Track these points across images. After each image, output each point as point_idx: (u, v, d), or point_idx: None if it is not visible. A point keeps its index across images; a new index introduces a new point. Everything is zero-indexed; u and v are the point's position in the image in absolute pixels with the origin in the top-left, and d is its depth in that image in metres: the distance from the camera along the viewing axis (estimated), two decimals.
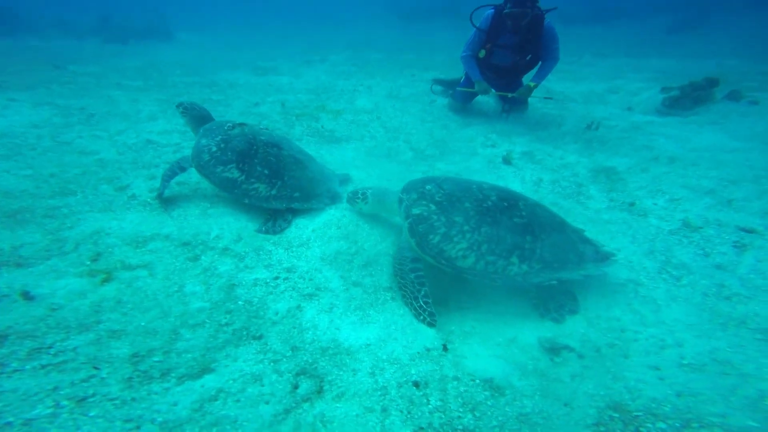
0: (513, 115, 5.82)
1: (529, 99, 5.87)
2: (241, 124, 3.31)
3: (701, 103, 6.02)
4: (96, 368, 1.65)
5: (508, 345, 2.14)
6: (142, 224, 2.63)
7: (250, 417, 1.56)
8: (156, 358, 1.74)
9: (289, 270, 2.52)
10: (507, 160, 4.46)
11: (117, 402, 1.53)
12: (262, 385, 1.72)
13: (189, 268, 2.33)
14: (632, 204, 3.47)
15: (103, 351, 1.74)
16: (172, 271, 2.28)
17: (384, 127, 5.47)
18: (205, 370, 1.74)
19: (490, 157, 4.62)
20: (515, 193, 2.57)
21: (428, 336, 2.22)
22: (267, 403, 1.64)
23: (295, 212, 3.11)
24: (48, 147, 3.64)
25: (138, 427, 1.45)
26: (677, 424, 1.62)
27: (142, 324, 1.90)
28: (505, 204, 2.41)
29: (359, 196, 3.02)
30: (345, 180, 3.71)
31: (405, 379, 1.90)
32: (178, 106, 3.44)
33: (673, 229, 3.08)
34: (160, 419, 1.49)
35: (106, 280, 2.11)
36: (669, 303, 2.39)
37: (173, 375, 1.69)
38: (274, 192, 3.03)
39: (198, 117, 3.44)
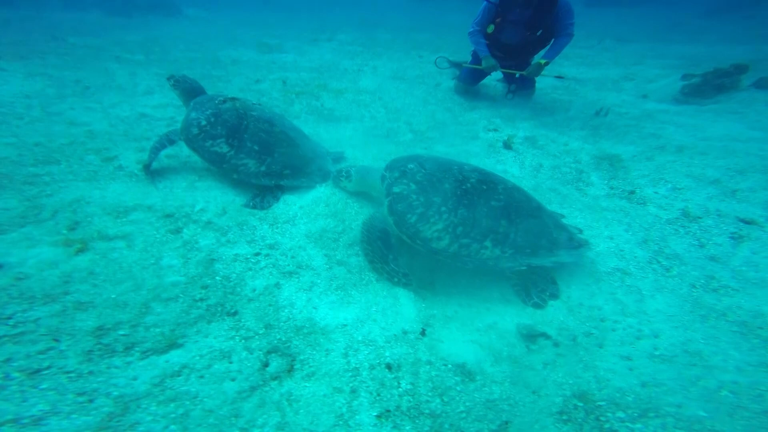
0: (519, 98, 5.58)
1: (537, 83, 5.63)
2: (233, 99, 3.20)
3: (724, 90, 5.68)
4: (56, 340, 1.61)
5: (487, 330, 2.09)
6: (126, 194, 2.57)
7: (213, 393, 1.52)
8: (122, 332, 1.70)
9: (271, 246, 2.46)
10: (508, 145, 4.31)
11: (72, 375, 1.50)
12: (230, 362, 1.68)
13: (169, 241, 2.28)
14: (632, 192, 3.33)
15: (66, 323, 1.70)
16: (151, 243, 2.23)
17: (385, 107, 5.33)
18: (173, 345, 1.70)
19: (492, 141, 4.47)
20: (495, 176, 2.52)
21: (409, 318, 2.17)
22: (233, 380, 1.60)
23: (284, 189, 3.05)
24: (37, 117, 3.58)
25: (91, 401, 1.42)
26: (635, 414, 1.63)
27: (113, 296, 1.86)
28: (484, 187, 2.37)
29: (343, 173, 2.97)
30: (338, 158, 3.62)
31: (378, 361, 1.85)
32: (168, 79, 3.34)
33: (671, 219, 2.97)
34: (115, 393, 1.46)
35: (81, 250, 2.06)
36: (654, 293, 2.33)
37: (137, 349, 1.65)
38: (263, 168, 2.95)
39: (189, 90, 3.34)
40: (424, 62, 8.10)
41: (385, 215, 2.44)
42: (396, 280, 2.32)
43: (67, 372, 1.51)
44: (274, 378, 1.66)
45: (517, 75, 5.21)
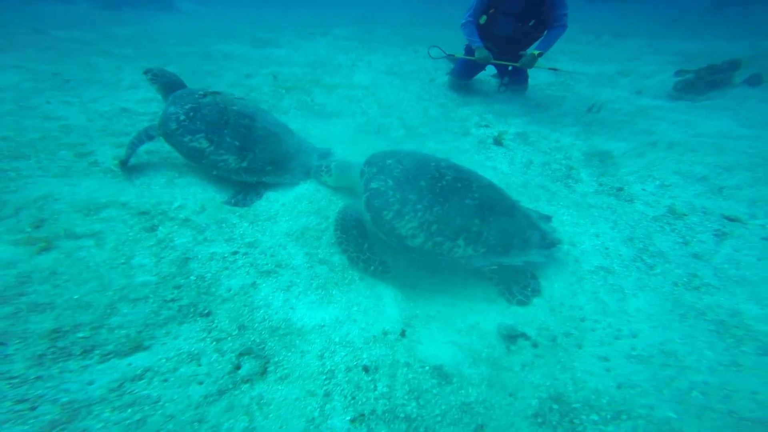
0: (512, 93, 5.49)
1: (531, 79, 5.55)
2: (214, 93, 3.10)
3: (717, 87, 5.65)
4: (2, 344, 1.52)
5: (468, 331, 2.04)
6: (99, 191, 2.48)
7: (176, 397, 1.45)
8: (81, 334, 1.62)
9: (250, 245, 2.38)
10: (498, 141, 4.25)
11: (15, 381, 1.41)
12: (199, 365, 1.61)
13: (143, 239, 2.20)
14: (620, 189, 3.28)
15: (18, 326, 1.61)
16: (123, 242, 2.14)
17: (378, 103, 5.25)
18: (138, 347, 1.62)
19: (482, 137, 4.41)
20: (471, 174, 2.49)
21: (391, 319, 2.11)
22: (200, 383, 1.53)
23: (267, 186, 2.96)
24: (8, 111, 3.45)
25: (33, 408, 1.34)
26: (608, 416, 1.61)
27: (75, 297, 1.77)
28: (459, 185, 2.35)
29: (323, 168, 2.93)
30: (326, 155, 3.54)
31: (355, 363, 1.79)
32: (145, 73, 3.22)
33: (657, 216, 2.93)
34: (65, 399, 1.38)
35: (44, 249, 1.96)
36: (636, 292, 2.30)
37: (97, 352, 1.57)
38: (244, 164, 2.87)
39: (168, 84, 3.23)
40: (419, 57, 8.00)
41: (362, 210, 2.41)
42: (372, 268, 2.30)
43: (10, 378, 1.43)
44: (246, 381, 1.59)
45: (510, 67, 5.12)
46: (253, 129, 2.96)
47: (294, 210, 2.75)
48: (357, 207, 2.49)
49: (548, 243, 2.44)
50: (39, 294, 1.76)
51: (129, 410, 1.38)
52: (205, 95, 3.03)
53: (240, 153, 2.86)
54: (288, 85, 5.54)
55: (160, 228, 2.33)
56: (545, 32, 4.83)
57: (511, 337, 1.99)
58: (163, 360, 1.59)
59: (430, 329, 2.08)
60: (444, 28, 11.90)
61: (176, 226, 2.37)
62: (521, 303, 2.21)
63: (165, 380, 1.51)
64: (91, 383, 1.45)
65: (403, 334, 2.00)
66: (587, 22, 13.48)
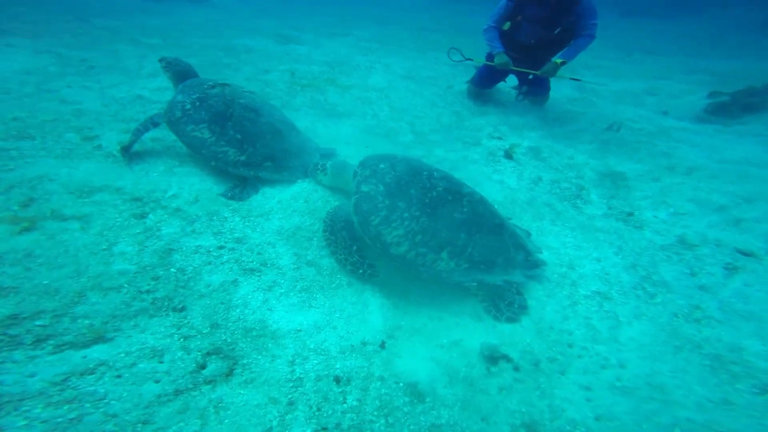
0: (532, 103, 5.28)
1: (553, 92, 5.36)
2: (223, 84, 3.09)
3: (753, 111, 5.30)
4: None
5: (450, 347, 1.94)
6: (96, 175, 2.47)
7: (125, 395, 1.38)
8: (40, 322, 1.56)
9: (238, 240, 2.33)
10: (509, 155, 4.11)
11: None
12: (161, 362, 1.54)
13: (130, 226, 2.17)
14: (630, 214, 3.09)
15: None
16: (109, 227, 2.11)
17: (390, 106, 5.18)
18: (99, 339, 1.56)
19: (493, 149, 4.28)
20: (463, 187, 2.44)
21: (374, 328, 2.02)
22: (157, 381, 1.46)
23: (265, 181, 2.92)
24: (27, 93, 3.53)
25: None
26: None
27: (44, 282, 1.72)
28: (449, 197, 2.31)
29: (319, 167, 2.88)
30: (329, 155, 3.48)
31: (327, 372, 1.70)
32: (160, 61, 3.26)
33: (666, 245, 2.76)
34: None
35: (26, 229, 1.94)
36: (631, 320, 2.17)
37: (52, 342, 1.51)
38: (243, 158, 2.83)
39: (180, 73, 3.25)
40: (439, 64, 7.90)
41: (350, 212, 2.36)
42: (361, 271, 2.25)
43: None
44: (208, 382, 1.52)
45: (530, 76, 4.90)
46: (257, 123, 2.93)
47: (288, 208, 2.69)
48: (348, 208, 2.44)
49: (531, 263, 2.39)
50: (7, 276, 1.72)
51: (65, 407, 1.31)
52: (213, 86, 3.02)
53: (240, 146, 2.82)
54: (303, 82, 5.53)
55: (150, 216, 2.31)
56: (571, 41, 4.59)
57: (493, 358, 1.88)
58: (123, 354, 1.53)
59: (413, 342, 1.99)
60: (465, 36, 11.72)
61: (166, 215, 2.34)
62: (510, 320, 2.13)
63: (118, 376, 1.45)
64: (32, 375, 1.39)
65: (382, 345, 1.92)
66: (619, 38, 13.04)
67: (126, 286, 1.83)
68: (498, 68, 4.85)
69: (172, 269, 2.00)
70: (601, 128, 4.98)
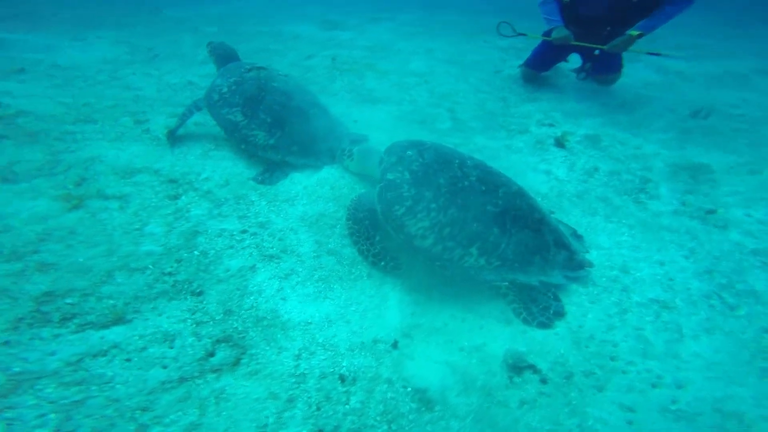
0: (598, 83, 4.58)
1: (626, 75, 4.57)
2: (260, 68, 3.07)
3: None
4: None
5: (470, 352, 1.74)
6: (139, 156, 2.58)
7: (131, 380, 1.38)
8: (69, 300, 1.61)
9: (261, 225, 2.29)
10: (560, 143, 3.65)
11: None
12: (171, 347, 1.53)
13: (163, 206, 2.22)
14: (711, 212, 2.57)
15: (18, 285, 1.61)
16: (144, 207, 2.18)
17: (430, 92, 4.89)
18: (119, 320, 1.58)
19: (542, 137, 3.83)
20: (499, 177, 2.21)
21: (390, 325, 1.88)
22: (164, 367, 1.45)
23: (294, 166, 2.85)
24: (101, 80, 3.81)
25: None
26: None
27: (80, 260, 1.78)
28: (483, 188, 2.08)
29: (346, 153, 2.75)
30: (359, 141, 3.34)
31: (333, 370, 1.60)
32: (207, 45, 3.35)
33: (759, 249, 2.25)
34: (17, 369, 1.33)
35: (75, 207, 2.04)
36: (699, 334, 1.83)
37: (76, 321, 1.54)
38: (272, 141, 2.78)
39: (222, 56, 3.31)
40: (488, 48, 7.32)
41: (374, 200, 2.21)
42: (383, 263, 2.11)
43: None
44: (215, 371, 1.49)
45: (596, 51, 4.16)
46: (288, 107, 2.86)
47: (314, 194, 2.61)
48: (371, 196, 2.30)
49: (575, 264, 2.11)
50: (51, 253, 1.80)
51: (74, 388, 1.32)
52: (250, 70, 3.01)
53: (270, 130, 2.78)
54: (344, 67, 5.40)
55: (183, 197, 2.35)
56: (657, 9, 3.63)
57: (518, 367, 1.66)
58: (136, 337, 1.54)
59: (429, 343, 1.82)
60: (520, 17, 10.74)
61: (197, 197, 2.37)
62: (543, 325, 1.88)
63: (128, 359, 1.45)
64: (52, 354, 1.42)
65: (395, 345, 1.77)
66: (730, 8, 10.99)
67: (151, 267, 1.86)
68: (556, 45, 4.15)
69: (195, 252, 2.01)
70: (683, 115, 4.25)
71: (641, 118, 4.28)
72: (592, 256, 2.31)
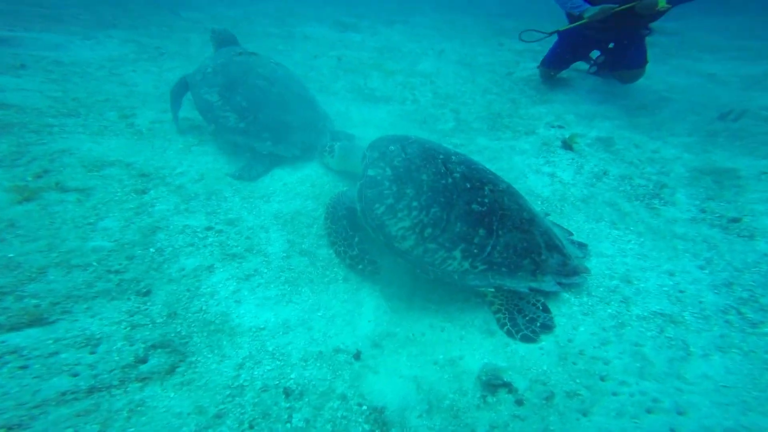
0: (618, 80, 4.21)
1: (648, 78, 4.12)
2: (251, 53, 3.03)
3: None
4: None
5: (444, 366, 1.54)
6: (115, 150, 2.47)
7: (14, 391, 1.20)
8: None
9: (230, 222, 2.13)
10: (568, 145, 3.38)
11: None
12: (92, 353, 1.36)
13: (126, 201, 2.08)
14: (735, 220, 2.25)
15: None
16: (106, 201, 2.05)
17: (434, 92, 4.71)
18: (37, 322, 1.42)
19: (549, 138, 3.57)
20: (486, 174, 2.02)
21: (357, 333, 1.68)
22: (74, 375, 1.28)
23: (276, 160, 2.70)
24: (99, 77, 3.81)
25: None
26: None
27: (9, 255, 1.64)
28: (468, 185, 1.89)
29: (327, 149, 2.60)
30: (344, 138, 3.19)
31: (278, 382, 1.40)
32: (210, 31, 3.46)
33: None
34: None
35: (26, 199, 1.92)
36: (710, 353, 1.60)
37: None
38: (242, 125, 2.66)
39: (220, 41, 3.32)
40: (503, 50, 7.10)
41: (354, 198, 2.04)
42: (361, 267, 1.95)
43: None
44: (141, 379, 1.31)
45: (610, 44, 3.86)
46: (268, 93, 2.76)
47: (292, 191, 2.44)
48: (351, 194, 2.13)
49: (569, 270, 1.89)
50: None
51: None
52: (241, 54, 2.96)
53: (243, 113, 2.67)
54: (349, 67, 5.30)
55: (151, 192, 2.22)
56: None
57: (492, 385, 1.44)
58: (50, 341, 1.37)
59: (400, 355, 1.61)
60: (541, 20, 10.45)
61: (166, 192, 2.23)
62: (527, 339, 1.67)
63: (24, 367, 1.28)
64: None
65: (357, 356, 1.57)
66: None
67: (95, 264, 1.71)
68: (597, 20, 3.52)
69: (151, 249, 1.86)
70: (709, 118, 3.88)
71: (663, 121, 3.95)
72: (591, 263, 2.04)
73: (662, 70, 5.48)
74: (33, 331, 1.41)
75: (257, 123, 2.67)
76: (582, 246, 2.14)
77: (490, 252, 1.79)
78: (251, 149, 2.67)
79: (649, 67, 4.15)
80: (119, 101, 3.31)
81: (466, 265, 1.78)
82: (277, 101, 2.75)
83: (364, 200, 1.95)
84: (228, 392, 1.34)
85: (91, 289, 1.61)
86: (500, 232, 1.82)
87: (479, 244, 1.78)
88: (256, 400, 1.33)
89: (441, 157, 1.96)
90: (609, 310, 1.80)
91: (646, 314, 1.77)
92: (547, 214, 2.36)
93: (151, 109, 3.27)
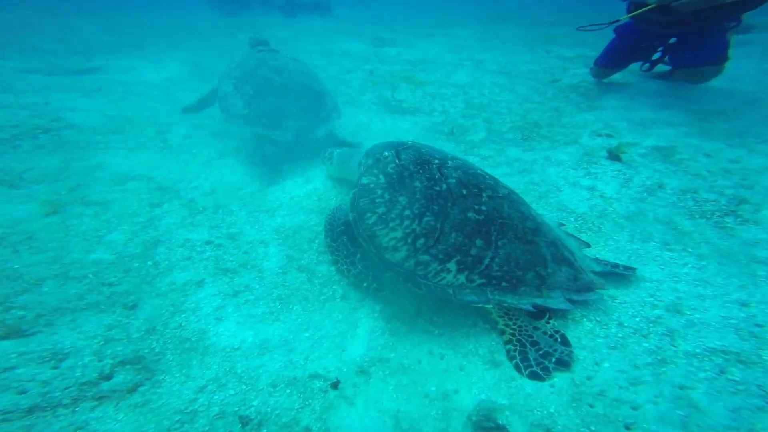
0: (686, 80, 3.62)
1: (729, 78, 3.48)
2: (273, 50, 3.28)
3: None
4: None
5: (435, 400, 1.33)
6: (143, 164, 2.60)
7: None
8: None
9: (231, 236, 2.09)
10: (615, 155, 2.92)
11: None
12: (54, 368, 1.33)
13: (139, 214, 2.14)
14: None
15: None
16: (120, 215, 2.12)
17: (467, 102, 4.46)
18: (13, 334, 1.41)
19: (593, 148, 3.14)
20: (485, 180, 1.82)
21: (344, 358, 1.51)
22: (21, 393, 1.23)
23: (269, 141, 2.76)
24: (153, 95, 4.17)
25: None
26: None
27: (15, 266, 1.70)
28: (464, 191, 1.73)
29: (326, 156, 2.53)
30: (351, 144, 3.07)
31: (237, 409, 1.26)
32: (249, 38, 3.81)
33: None
34: None
35: (53, 212, 2.03)
36: None
37: None
38: (246, 111, 2.75)
39: (254, 44, 3.65)
40: (549, 57, 6.63)
41: (347, 209, 1.92)
42: (365, 285, 1.83)
43: None
44: (97, 398, 1.25)
45: (672, 39, 3.34)
46: (272, 82, 2.86)
47: (297, 205, 2.35)
48: (346, 206, 2.00)
49: (581, 285, 1.64)
50: None
51: None
52: (262, 50, 3.20)
53: (249, 101, 2.77)
54: (379, 80, 5.26)
55: (165, 205, 2.27)
56: None
57: (484, 428, 1.22)
58: (14, 355, 1.35)
59: (388, 384, 1.41)
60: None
61: (178, 205, 2.27)
62: (534, 377, 1.43)
63: None
64: None
65: (335, 385, 1.39)
66: None
67: (91, 276, 1.73)
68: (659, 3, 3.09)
69: (149, 262, 1.86)
70: None
71: (748, 126, 3.27)
72: (628, 290, 1.68)
73: (759, 69, 4.59)
74: (5, 344, 1.41)
75: (258, 108, 2.75)
76: (632, 270, 1.78)
77: (489, 264, 1.60)
78: (252, 134, 2.80)
79: (741, 66, 3.50)
80: (160, 118, 3.56)
81: (462, 278, 1.60)
82: (279, 90, 2.83)
83: (356, 210, 1.82)
84: (178, 417, 1.22)
85: (81, 302, 1.62)
86: (500, 243, 1.63)
87: (476, 255, 1.60)
88: (207, 428, 1.20)
89: (436, 162, 1.80)
90: (645, 344, 1.46)
91: (699, 351, 1.43)
92: (562, 224, 2.02)
93: (185, 125, 3.46)
